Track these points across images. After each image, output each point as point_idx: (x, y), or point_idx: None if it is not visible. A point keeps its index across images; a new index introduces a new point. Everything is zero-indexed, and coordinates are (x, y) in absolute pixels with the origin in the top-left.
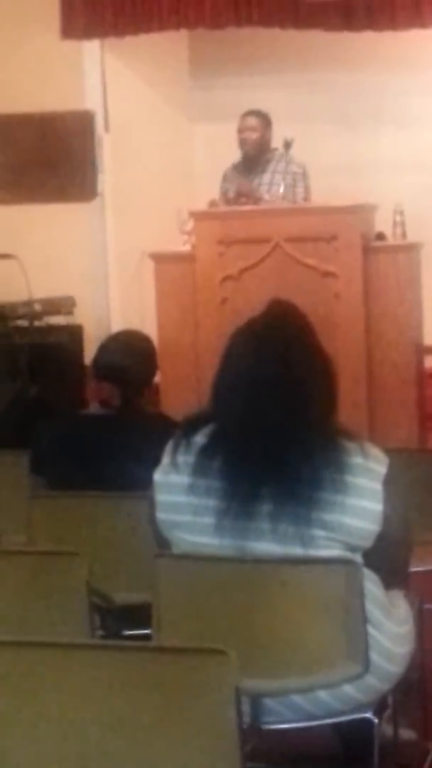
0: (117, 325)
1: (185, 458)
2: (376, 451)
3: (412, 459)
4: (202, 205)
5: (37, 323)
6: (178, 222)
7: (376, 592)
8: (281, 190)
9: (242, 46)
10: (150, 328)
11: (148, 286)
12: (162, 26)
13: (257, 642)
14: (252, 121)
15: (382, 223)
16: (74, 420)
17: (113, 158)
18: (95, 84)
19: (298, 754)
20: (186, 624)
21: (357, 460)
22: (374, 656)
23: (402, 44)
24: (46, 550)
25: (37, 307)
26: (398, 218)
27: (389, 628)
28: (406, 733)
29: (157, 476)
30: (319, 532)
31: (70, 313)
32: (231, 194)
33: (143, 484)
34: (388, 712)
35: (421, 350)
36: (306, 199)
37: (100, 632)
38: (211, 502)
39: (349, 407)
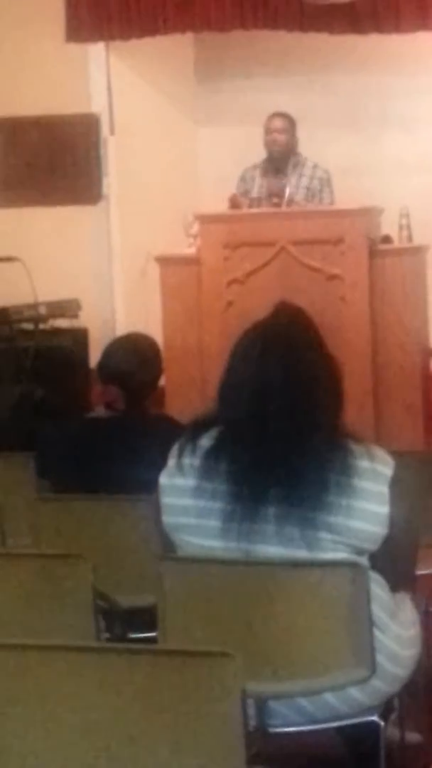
0: (122, 328)
1: (191, 461)
2: (382, 454)
3: (418, 461)
4: (207, 207)
5: (42, 326)
6: (184, 225)
7: (382, 595)
8: (303, 194)
9: (248, 48)
10: (155, 331)
11: (153, 289)
12: (167, 29)
13: (263, 645)
14: (281, 122)
15: (388, 225)
16: (79, 423)
17: (118, 161)
18: (100, 87)
19: (304, 758)
20: (191, 627)
21: (363, 462)
22: (380, 659)
23: (407, 47)
24: (52, 553)
25: (42, 310)
26: (404, 221)
27: (395, 631)
28: (413, 737)
29: (163, 479)
30: (325, 535)
31: (75, 315)
32: (254, 194)
33: (149, 487)
34: (395, 715)
35: (427, 353)
36: (331, 203)
37: (105, 635)
38: (217, 505)
39: (355, 410)
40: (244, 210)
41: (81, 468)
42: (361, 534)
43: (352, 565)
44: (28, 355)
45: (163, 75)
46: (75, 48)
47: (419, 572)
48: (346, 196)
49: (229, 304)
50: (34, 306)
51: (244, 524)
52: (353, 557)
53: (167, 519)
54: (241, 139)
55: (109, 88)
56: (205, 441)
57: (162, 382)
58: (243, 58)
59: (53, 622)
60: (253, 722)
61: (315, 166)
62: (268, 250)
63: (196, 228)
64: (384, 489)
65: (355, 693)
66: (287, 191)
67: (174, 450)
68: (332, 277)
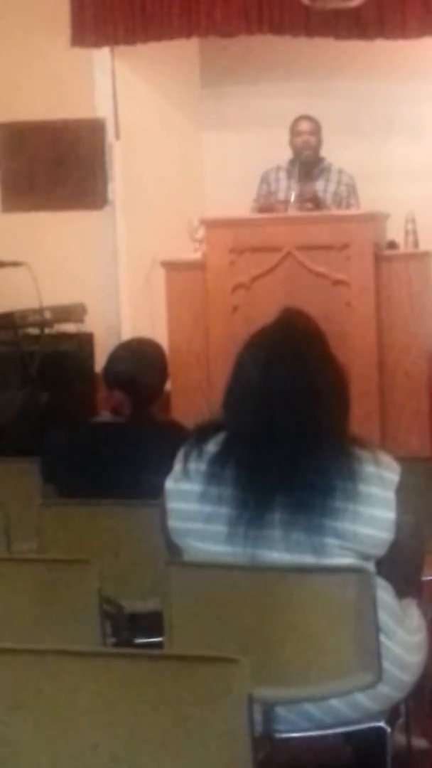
0: (128, 333)
1: (197, 466)
2: (388, 460)
3: (424, 467)
4: (213, 212)
5: (47, 331)
6: (189, 229)
7: (388, 600)
8: (331, 199)
9: (253, 54)
10: (161, 336)
11: (158, 294)
12: (172, 34)
13: (269, 650)
14: (309, 124)
15: (394, 231)
16: (85, 428)
17: (124, 166)
18: (106, 92)
19: (311, 763)
20: (198, 632)
21: (369, 468)
22: (387, 665)
23: (414, 52)
24: (58, 558)
25: (48, 315)
26: (410, 226)
27: (402, 637)
28: (419, 742)
29: (169, 484)
30: (331, 541)
31: (80, 320)
32: (282, 196)
33: (154, 492)
34: (401, 721)
35: None
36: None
37: (111, 640)
38: (223, 510)
39: (361, 415)
40: (250, 215)
41: (86, 473)
42: (367, 539)
43: (359, 571)
44: (33, 360)
45: (168, 80)
46: (80, 53)
47: (425, 578)
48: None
49: (235, 309)
50: (40, 311)
51: (250, 529)
52: (359, 563)
53: (173, 524)
54: (247, 144)
55: (114, 93)
56: (212, 446)
57: (168, 387)
58: (248, 63)
59: (59, 627)
60: (259, 728)
61: (341, 172)
62: (273, 256)
63: (201, 233)
64: (390, 495)
65: (361, 699)
66: (323, 197)
67: (180, 455)
68: (338, 283)
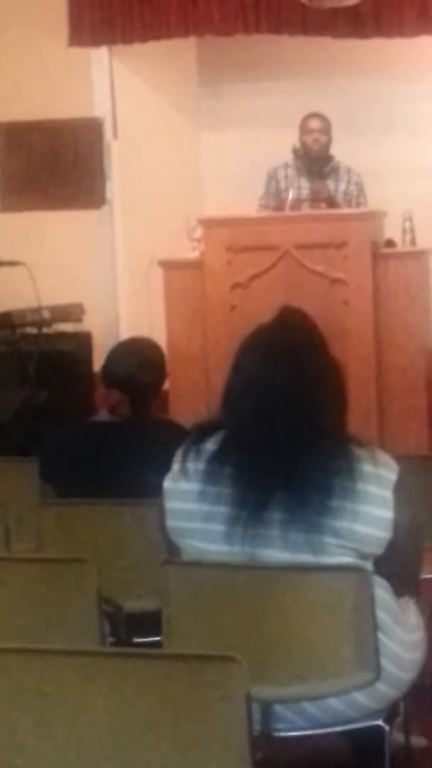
0: (126, 333)
1: (195, 465)
2: (386, 458)
3: (422, 465)
4: (210, 211)
5: (45, 330)
6: (187, 229)
7: (386, 599)
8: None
9: (251, 53)
10: (159, 336)
11: (156, 293)
12: (170, 33)
13: (268, 649)
14: (320, 122)
15: (392, 229)
16: (83, 427)
17: (122, 165)
18: (104, 91)
19: (309, 762)
20: (196, 631)
21: (367, 467)
22: (385, 663)
23: (411, 51)
24: (56, 557)
25: (46, 315)
26: (408, 225)
27: (400, 635)
28: (418, 741)
29: (167, 483)
30: (329, 540)
31: (78, 320)
32: (293, 195)
33: (153, 492)
34: (400, 719)
35: (431, 356)
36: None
37: (110, 640)
38: (222, 509)
39: (359, 414)
40: (247, 214)
41: (85, 472)
42: (365, 538)
43: (357, 570)
44: (31, 360)
45: (166, 79)
46: (78, 52)
47: (423, 576)
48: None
49: (233, 308)
50: (38, 310)
51: (248, 529)
52: (358, 562)
53: (171, 523)
54: (245, 143)
55: (112, 93)
56: (210, 445)
57: (166, 386)
58: (246, 62)
59: (58, 626)
60: (258, 727)
61: (349, 170)
62: (271, 254)
63: (199, 232)
64: (388, 493)
65: (359, 697)
66: (335, 196)
67: (178, 454)
68: (336, 281)
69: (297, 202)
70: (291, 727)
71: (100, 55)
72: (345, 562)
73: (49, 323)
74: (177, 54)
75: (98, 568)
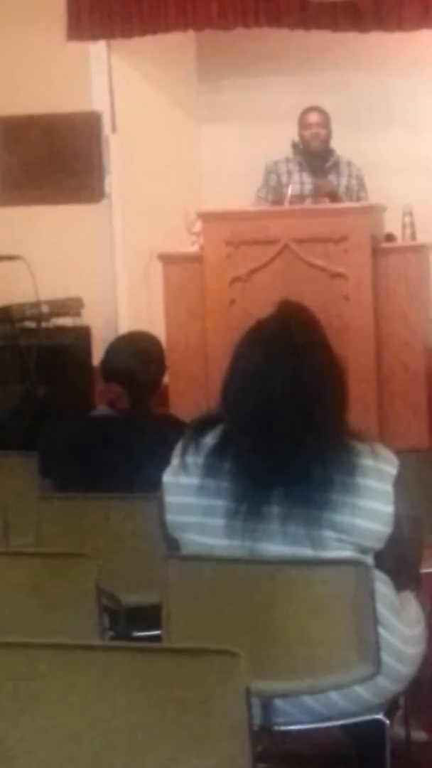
0: (125, 327)
1: (194, 459)
2: (386, 453)
3: (422, 460)
4: (210, 205)
5: (44, 325)
6: (186, 223)
7: (387, 593)
8: (344, 193)
9: (250, 47)
10: (158, 330)
11: (156, 288)
12: (169, 27)
13: (268, 643)
14: (319, 116)
15: (392, 224)
16: (83, 422)
17: (120, 159)
18: (102, 85)
19: (309, 756)
20: (196, 625)
21: (367, 461)
22: (385, 657)
23: (411, 45)
24: (55, 552)
25: (45, 309)
26: (407, 219)
27: (400, 630)
28: (418, 735)
29: (167, 477)
30: (329, 534)
31: (77, 314)
32: (296, 190)
33: (152, 486)
34: (400, 713)
35: (431, 351)
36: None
37: (109, 634)
38: (221, 503)
39: (359, 408)
40: (246, 208)
41: (84, 467)
42: (365, 532)
43: (357, 564)
44: (30, 354)
45: (165, 73)
46: (76, 46)
47: (424, 570)
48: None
49: (232, 302)
50: (37, 304)
51: (248, 523)
52: (358, 556)
53: (171, 517)
54: (244, 137)
55: (110, 87)
56: (209, 439)
57: (165, 380)
58: (245, 56)
59: (57, 620)
60: (258, 721)
61: (350, 164)
62: (271, 248)
63: (198, 226)
64: (388, 487)
65: (360, 691)
66: (338, 190)
67: (177, 448)
68: (335, 276)
69: (299, 198)
70: (291, 721)
71: (98, 49)
72: (345, 557)
73: (48, 317)
74: (176, 48)
75: (98, 563)
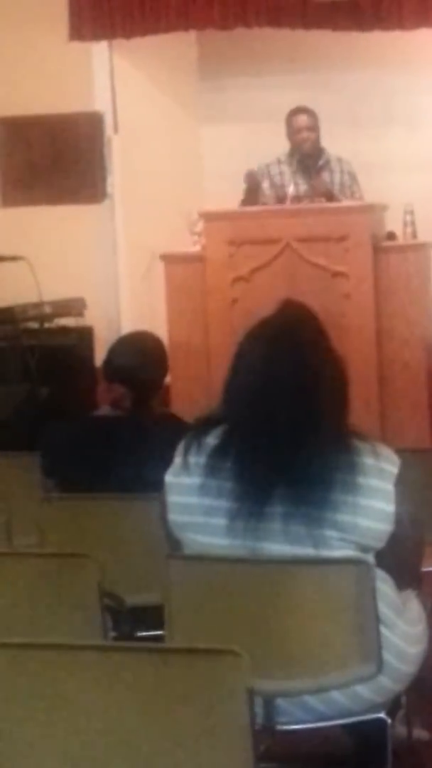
0: (127, 327)
1: (197, 459)
2: (387, 452)
3: (423, 459)
4: (211, 205)
5: (47, 325)
6: (188, 223)
7: (388, 592)
8: (339, 190)
9: (251, 46)
10: (160, 330)
11: (158, 287)
12: (170, 27)
13: (270, 643)
14: (307, 119)
15: (393, 222)
16: (85, 422)
17: (122, 159)
18: (104, 85)
19: (311, 755)
20: (198, 625)
21: (369, 460)
22: (387, 656)
23: (412, 44)
24: (58, 552)
25: (47, 309)
26: (408, 218)
27: (402, 628)
28: (420, 734)
29: (169, 477)
30: (331, 533)
31: (80, 314)
32: (291, 191)
33: (155, 486)
34: (402, 712)
35: None
36: (361, 197)
37: (112, 634)
38: (223, 503)
39: (361, 407)
40: (248, 207)
41: (86, 467)
42: (367, 531)
43: (359, 563)
44: (33, 354)
45: (166, 73)
46: (78, 47)
47: (425, 569)
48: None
49: (234, 301)
50: (40, 305)
51: (250, 522)
52: (359, 555)
53: (173, 517)
54: (246, 137)
55: (112, 87)
56: (211, 439)
57: (167, 380)
58: (246, 55)
59: (60, 621)
60: (260, 720)
61: (340, 160)
62: (272, 248)
63: (200, 226)
64: (389, 486)
65: (362, 690)
66: (333, 189)
67: (179, 448)
68: (337, 274)
69: (296, 199)
70: (293, 721)
71: (100, 49)
72: (347, 556)
73: (50, 318)
74: (177, 48)
75: (100, 563)
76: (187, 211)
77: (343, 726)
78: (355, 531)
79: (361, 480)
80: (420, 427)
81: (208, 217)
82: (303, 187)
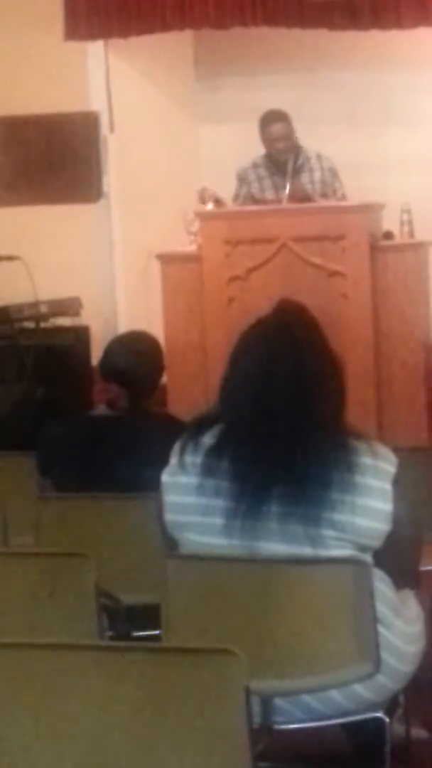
0: (124, 326)
1: (193, 459)
2: (385, 451)
3: (421, 458)
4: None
5: (43, 325)
6: (184, 222)
7: (386, 591)
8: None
9: (247, 46)
10: (157, 329)
11: (154, 287)
12: (166, 27)
13: (267, 642)
14: (280, 128)
15: (390, 222)
16: (81, 421)
17: (118, 159)
18: (100, 85)
19: (309, 755)
20: (195, 625)
21: (366, 459)
22: (385, 656)
23: (409, 43)
24: (55, 551)
25: (44, 309)
26: (406, 217)
27: (400, 628)
28: (418, 733)
29: (165, 477)
30: (328, 532)
31: (76, 314)
32: (270, 195)
33: (151, 485)
34: (400, 711)
35: (430, 349)
36: (343, 193)
37: (109, 633)
38: (220, 503)
39: (358, 406)
40: (245, 207)
41: (83, 467)
42: (364, 531)
43: (356, 562)
44: (29, 354)
45: (162, 72)
46: (74, 46)
47: (423, 568)
48: (347, 193)
49: (231, 301)
50: (36, 305)
51: (247, 522)
52: (357, 554)
53: (170, 517)
54: (242, 136)
55: (108, 86)
56: (208, 438)
57: (164, 379)
58: (243, 55)
59: (57, 620)
60: (257, 719)
61: (320, 157)
62: (269, 247)
63: (196, 225)
64: (387, 486)
65: (360, 690)
66: (312, 190)
67: (176, 448)
68: (334, 274)
69: (277, 202)
70: (291, 720)
71: (96, 48)
72: (344, 555)
73: (46, 317)
74: (173, 47)
75: (97, 562)
76: (184, 211)
77: (341, 725)
78: (353, 530)
79: (359, 479)
80: (417, 426)
81: (205, 217)
82: (282, 190)
